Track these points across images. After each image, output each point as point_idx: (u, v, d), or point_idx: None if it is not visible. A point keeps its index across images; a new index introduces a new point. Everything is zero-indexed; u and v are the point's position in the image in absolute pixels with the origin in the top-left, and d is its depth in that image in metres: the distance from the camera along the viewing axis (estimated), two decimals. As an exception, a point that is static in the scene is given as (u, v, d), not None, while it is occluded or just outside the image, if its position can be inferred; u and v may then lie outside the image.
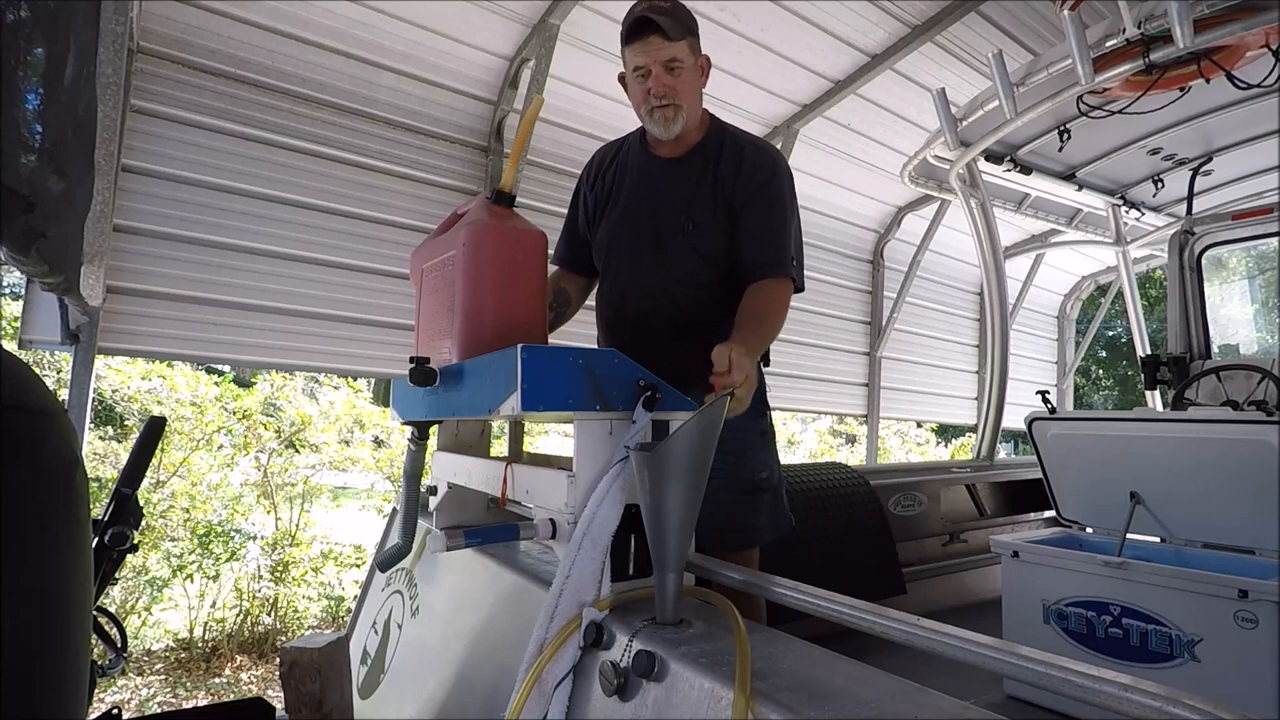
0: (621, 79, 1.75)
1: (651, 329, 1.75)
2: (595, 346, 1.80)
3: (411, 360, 1.33)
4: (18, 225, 1.12)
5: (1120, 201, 4.51)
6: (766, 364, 1.81)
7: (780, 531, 1.79)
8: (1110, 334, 15.78)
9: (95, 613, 1.41)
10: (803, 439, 11.59)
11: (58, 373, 5.98)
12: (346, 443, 6.67)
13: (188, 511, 5.46)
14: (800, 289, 1.72)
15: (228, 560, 5.49)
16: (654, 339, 1.73)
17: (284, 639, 5.35)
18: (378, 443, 6.84)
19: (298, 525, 5.95)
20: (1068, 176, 4.21)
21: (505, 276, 1.43)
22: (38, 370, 1.45)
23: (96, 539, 1.38)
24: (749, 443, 1.77)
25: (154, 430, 1.51)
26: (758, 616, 1.60)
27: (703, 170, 1.73)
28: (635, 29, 1.62)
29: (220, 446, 5.96)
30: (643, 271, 1.76)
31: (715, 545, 1.71)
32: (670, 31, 1.60)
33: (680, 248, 1.72)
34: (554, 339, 1.53)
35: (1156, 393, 4.39)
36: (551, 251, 1.83)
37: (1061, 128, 3.65)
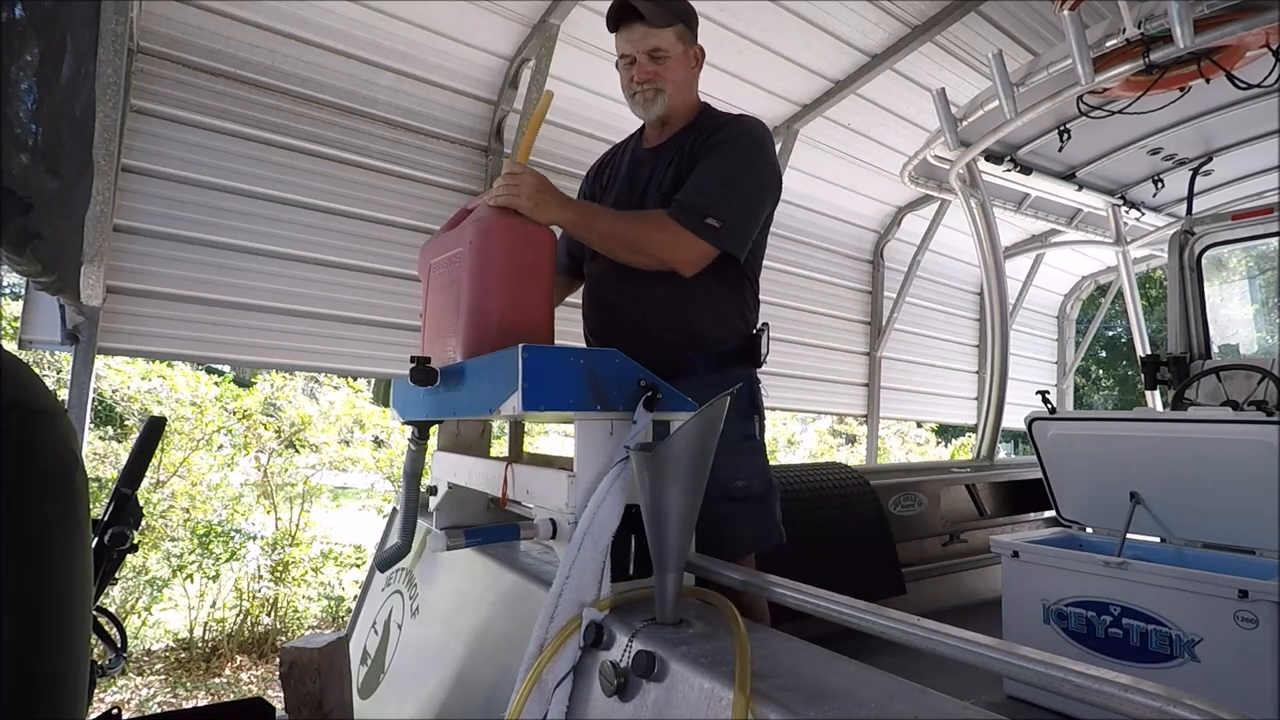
0: (618, 67, 1.70)
1: (618, 321, 1.67)
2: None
3: (412, 360, 1.33)
4: (14, 226, 1.12)
5: (1120, 201, 4.51)
6: (758, 364, 1.68)
7: (761, 545, 1.65)
8: (1110, 334, 15.77)
9: (95, 613, 1.41)
10: (803, 439, 11.62)
11: (58, 373, 5.99)
12: (346, 443, 6.68)
13: (188, 511, 5.46)
14: (734, 256, 1.55)
15: (228, 560, 5.49)
16: (620, 331, 1.64)
17: (284, 639, 5.35)
18: (378, 443, 6.84)
19: (298, 525, 5.95)
20: (1068, 176, 4.20)
21: (512, 275, 1.40)
22: (38, 370, 1.45)
23: (96, 539, 1.37)
24: (726, 447, 1.71)
25: (154, 430, 1.51)
26: (759, 617, 1.59)
27: (680, 150, 1.64)
28: (617, 15, 1.58)
29: (220, 446, 5.97)
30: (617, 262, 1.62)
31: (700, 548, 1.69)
32: (653, 18, 1.55)
33: None
34: (557, 339, 1.50)
35: (1156, 393, 4.39)
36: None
37: (1061, 128, 3.65)
